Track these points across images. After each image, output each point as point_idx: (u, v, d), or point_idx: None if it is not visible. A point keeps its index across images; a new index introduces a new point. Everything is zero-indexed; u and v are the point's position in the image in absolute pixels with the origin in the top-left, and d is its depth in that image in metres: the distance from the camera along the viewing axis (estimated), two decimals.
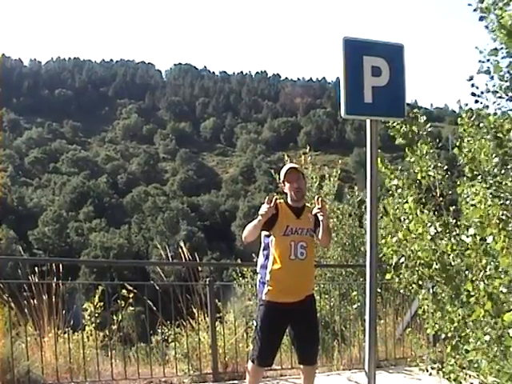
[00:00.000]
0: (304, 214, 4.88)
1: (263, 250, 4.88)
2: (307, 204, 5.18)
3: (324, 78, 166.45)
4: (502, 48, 3.22)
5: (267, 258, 4.81)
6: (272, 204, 4.56)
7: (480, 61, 3.29)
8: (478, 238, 3.11)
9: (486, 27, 3.32)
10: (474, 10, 3.41)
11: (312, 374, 5.02)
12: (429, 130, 4.14)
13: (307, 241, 4.80)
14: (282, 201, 4.95)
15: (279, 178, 5.20)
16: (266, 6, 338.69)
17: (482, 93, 3.49)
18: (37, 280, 6.26)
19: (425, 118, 4.13)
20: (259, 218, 4.60)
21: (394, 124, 4.14)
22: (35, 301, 6.06)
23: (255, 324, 4.87)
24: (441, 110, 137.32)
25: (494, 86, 3.25)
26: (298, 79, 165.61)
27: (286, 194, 4.98)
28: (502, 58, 3.22)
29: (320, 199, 4.72)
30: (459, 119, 3.93)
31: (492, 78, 3.24)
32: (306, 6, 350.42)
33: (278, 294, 4.71)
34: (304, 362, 4.92)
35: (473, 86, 3.64)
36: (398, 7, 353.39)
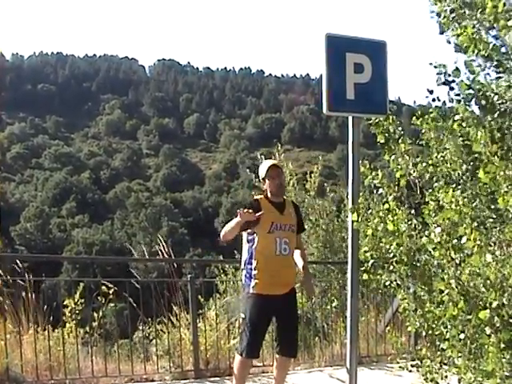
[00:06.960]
0: (286, 209, 4.90)
1: (248, 246, 4.86)
2: (287, 198, 5.22)
3: (308, 74, 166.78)
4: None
5: (252, 254, 4.81)
6: (251, 214, 4.54)
7: (438, 73, 3.22)
8: (446, 236, 3.09)
9: (448, 42, 3.29)
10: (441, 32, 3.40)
11: (287, 368, 5.10)
12: (408, 127, 4.13)
13: (290, 237, 4.82)
14: (261, 196, 4.95)
15: (256, 176, 5.17)
16: (250, 1, 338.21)
17: (450, 100, 3.42)
18: (17, 277, 6.17)
19: (395, 116, 4.12)
20: (238, 219, 4.59)
21: (376, 121, 4.12)
22: (15, 298, 5.99)
23: (243, 317, 4.85)
24: (424, 107, 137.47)
25: (456, 95, 3.18)
26: (282, 75, 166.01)
27: (266, 190, 4.96)
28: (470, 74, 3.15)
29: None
30: (415, 119, 3.89)
31: (452, 88, 3.19)
32: (290, 1, 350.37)
33: (265, 286, 4.74)
34: (284, 352, 4.92)
35: (434, 100, 3.61)
36: (382, 2, 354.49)
